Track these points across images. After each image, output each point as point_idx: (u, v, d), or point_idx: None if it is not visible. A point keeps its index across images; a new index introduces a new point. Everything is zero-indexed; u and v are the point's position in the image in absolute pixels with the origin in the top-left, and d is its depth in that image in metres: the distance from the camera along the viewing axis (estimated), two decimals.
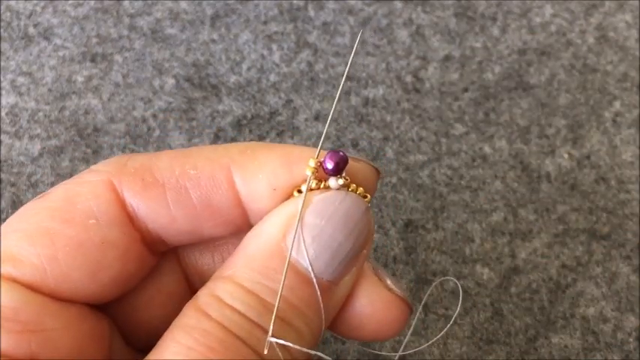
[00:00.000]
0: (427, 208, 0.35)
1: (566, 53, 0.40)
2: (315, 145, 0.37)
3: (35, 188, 0.36)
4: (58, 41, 0.40)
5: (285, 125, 0.38)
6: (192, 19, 0.41)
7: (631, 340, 0.33)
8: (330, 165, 0.21)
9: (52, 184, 0.36)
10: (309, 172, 0.21)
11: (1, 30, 0.40)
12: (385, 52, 0.40)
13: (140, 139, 0.37)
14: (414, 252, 0.34)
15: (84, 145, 0.37)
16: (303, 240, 0.20)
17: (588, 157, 0.37)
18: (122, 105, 0.38)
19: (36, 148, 0.37)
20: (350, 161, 0.22)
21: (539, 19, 0.42)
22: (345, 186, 0.22)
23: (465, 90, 0.39)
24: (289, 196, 0.22)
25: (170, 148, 0.37)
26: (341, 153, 0.22)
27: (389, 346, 0.32)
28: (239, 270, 0.20)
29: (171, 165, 0.22)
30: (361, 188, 0.22)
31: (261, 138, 0.37)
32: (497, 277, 0.34)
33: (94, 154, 0.37)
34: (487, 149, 0.37)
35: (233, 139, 0.37)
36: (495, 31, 0.41)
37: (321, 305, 0.20)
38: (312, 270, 0.20)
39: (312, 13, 0.41)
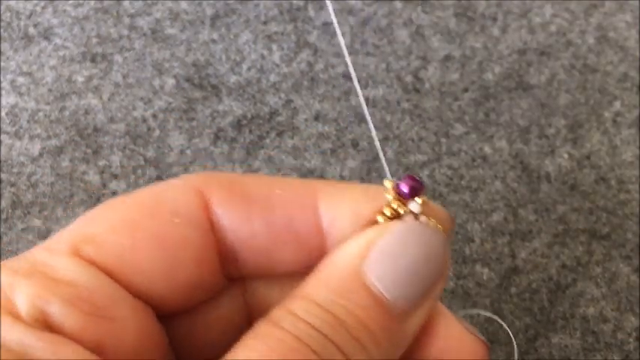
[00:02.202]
0: None
1: (566, 53, 0.40)
2: (315, 144, 0.37)
3: (35, 188, 0.36)
4: (58, 41, 0.40)
5: (285, 125, 0.38)
6: (192, 19, 0.41)
7: (631, 340, 0.33)
8: (405, 189, 0.22)
9: (52, 184, 0.36)
10: (389, 196, 0.22)
11: (1, 30, 0.40)
12: (385, 52, 0.40)
13: (140, 139, 0.37)
14: None
15: (84, 145, 0.37)
16: (382, 265, 0.21)
17: (588, 157, 0.37)
18: (122, 105, 0.38)
19: (36, 148, 0.37)
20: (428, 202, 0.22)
21: (539, 19, 0.42)
22: (425, 205, 0.22)
23: (465, 90, 0.39)
24: (369, 225, 0.22)
25: (170, 148, 0.37)
26: (416, 177, 0.22)
27: None
28: (314, 290, 0.20)
29: (260, 184, 0.22)
30: (434, 221, 0.22)
31: (261, 138, 0.37)
32: (497, 277, 0.34)
33: (94, 154, 0.37)
34: (487, 149, 0.37)
35: (233, 139, 0.37)
36: (495, 31, 0.41)
37: (394, 332, 0.20)
38: (389, 295, 0.20)
39: (312, 13, 0.41)
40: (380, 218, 0.22)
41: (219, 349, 0.22)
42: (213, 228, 0.22)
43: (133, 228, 0.21)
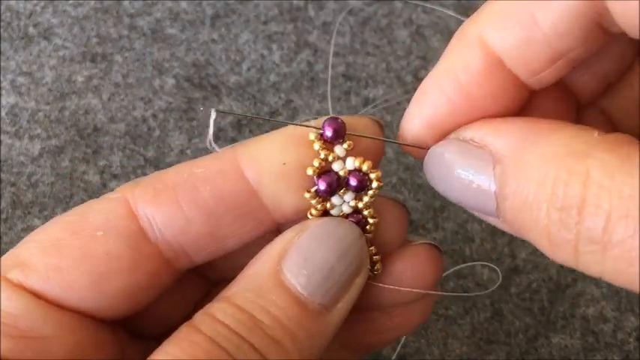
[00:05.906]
0: (427, 208, 0.36)
1: None
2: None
3: (35, 188, 0.36)
4: (58, 41, 0.40)
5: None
6: (192, 19, 0.41)
7: (631, 340, 0.33)
8: (329, 132, 0.22)
9: (52, 184, 0.36)
10: (316, 146, 0.22)
11: (1, 30, 0.40)
12: (385, 52, 0.40)
13: (140, 139, 0.37)
14: None
15: (84, 145, 0.37)
16: (297, 263, 0.21)
17: None
18: (122, 105, 0.38)
19: (36, 148, 0.37)
20: (350, 120, 0.23)
21: None
22: (350, 150, 0.22)
23: None
24: (300, 172, 0.22)
25: (170, 148, 0.37)
26: (338, 119, 0.22)
27: (389, 346, 0.32)
28: (236, 291, 0.21)
29: (179, 170, 0.22)
30: (370, 210, 0.22)
31: None
32: (498, 277, 0.34)
33: (94, 154, 0.37)
34: None
35: (233, 139, 0.37)
36: None
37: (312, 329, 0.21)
38: (306, 291, 0.21)
39: (312, 13, 0.41)
40: (312, 211, 0.22)
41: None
42: (145, 233, 0.22)
43: (57, 247, 0.21)
